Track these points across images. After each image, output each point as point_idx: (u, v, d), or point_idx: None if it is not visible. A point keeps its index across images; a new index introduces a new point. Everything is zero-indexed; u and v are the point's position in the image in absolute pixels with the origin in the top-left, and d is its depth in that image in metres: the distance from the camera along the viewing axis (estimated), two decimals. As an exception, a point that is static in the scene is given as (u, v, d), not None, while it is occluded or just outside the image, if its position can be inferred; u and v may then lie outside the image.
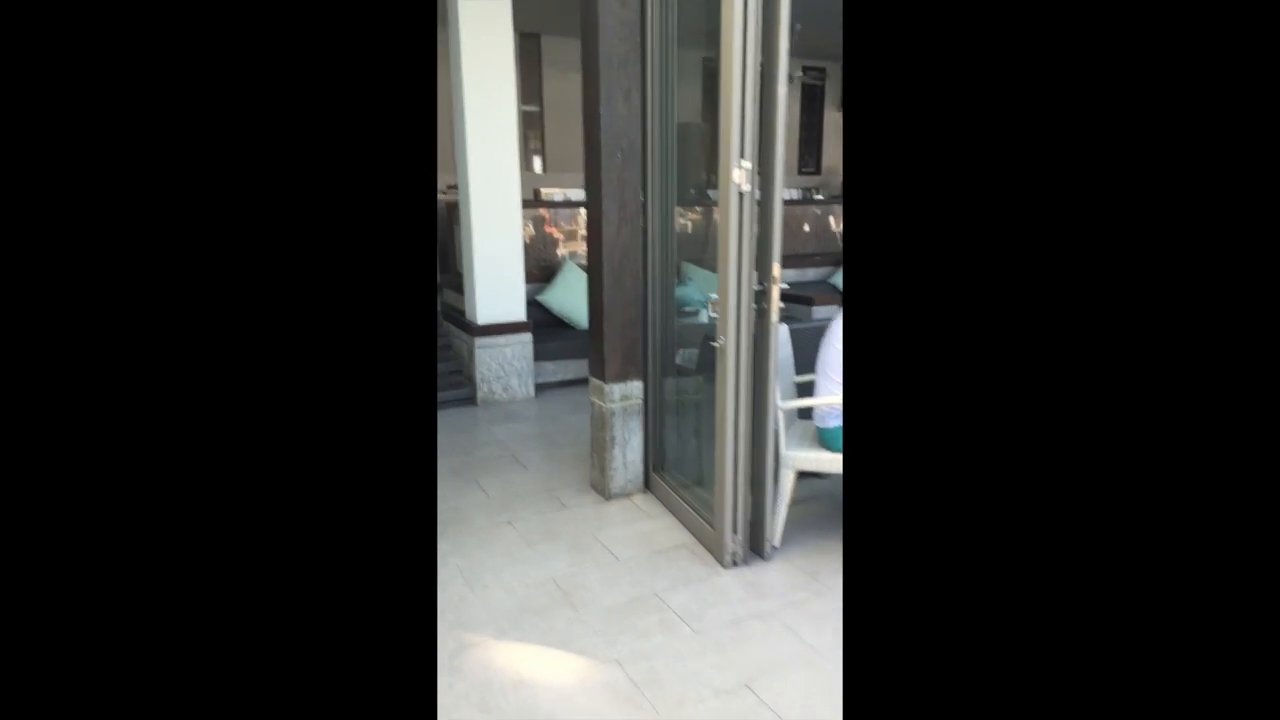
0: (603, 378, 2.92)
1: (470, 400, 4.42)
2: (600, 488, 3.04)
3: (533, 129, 8.72)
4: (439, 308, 5.22)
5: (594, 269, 2.90)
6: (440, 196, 7.16)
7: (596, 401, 2.99)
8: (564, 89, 9.35)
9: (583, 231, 5.80)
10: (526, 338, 4.47)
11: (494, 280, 4.34)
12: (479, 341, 4.33)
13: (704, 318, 4.15)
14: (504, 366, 4.42)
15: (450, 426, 3.99)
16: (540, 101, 9.24)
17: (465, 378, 4.53)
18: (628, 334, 2.92)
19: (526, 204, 4.73)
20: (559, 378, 4.71)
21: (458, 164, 4.33)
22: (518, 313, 4.44)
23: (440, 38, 4.08)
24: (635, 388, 2.97)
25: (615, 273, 2.85)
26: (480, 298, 4.32)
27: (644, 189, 2.84)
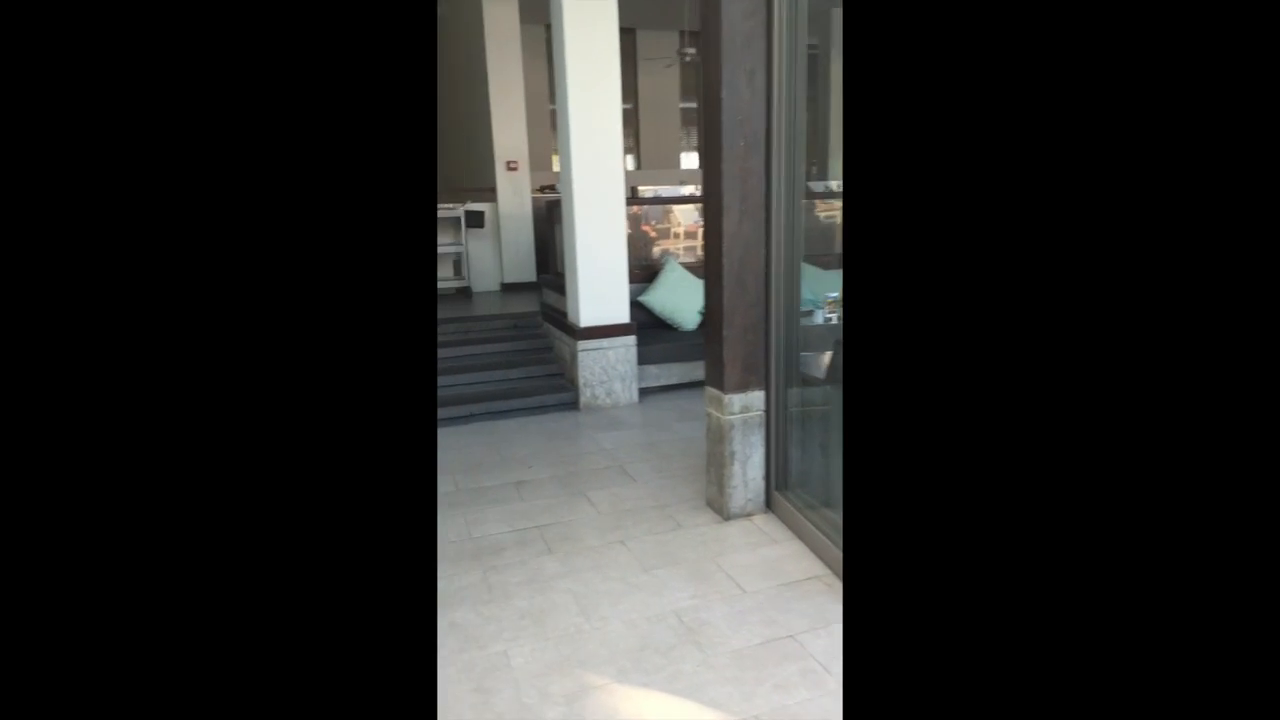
0: (721, 387, 2.68)
1: (573, 405, 4.28)
2: (718, 506, 2.80)
3: (627, 125, 8.70)
4: (539, 308, 5.13)
5: (712, 268, 2.67)
6: (537, 195, 7.15)
7: (714, 413, 2.76)
8: (657, 85, 9.18)
9: (676, 229, 5.58)
10: (630, 341, 4.29)
11: (597, 281, 4.17)
12: (582, 345, 4.18)
13: (819, 319, 3.85)
14: (607, 370, 4.26)
15: (553, 433, 3.86)
16: (635, 98, 9.14)
17: (568, 381, 4.39)
18: (749, 339, 2.67)
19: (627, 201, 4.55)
20: (662, 382, 4.50)
21: (561, 161, 4.20)
22: (621, 315, 4.27)
23: (549, 35, 3.95)
24: (757, 398, 2.72)
25: (736, 271, 2.60)
26: (583, 299, 4.16)
27: (767, 180, 2.58)
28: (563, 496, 3.03)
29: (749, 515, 2.77)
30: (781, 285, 2.65)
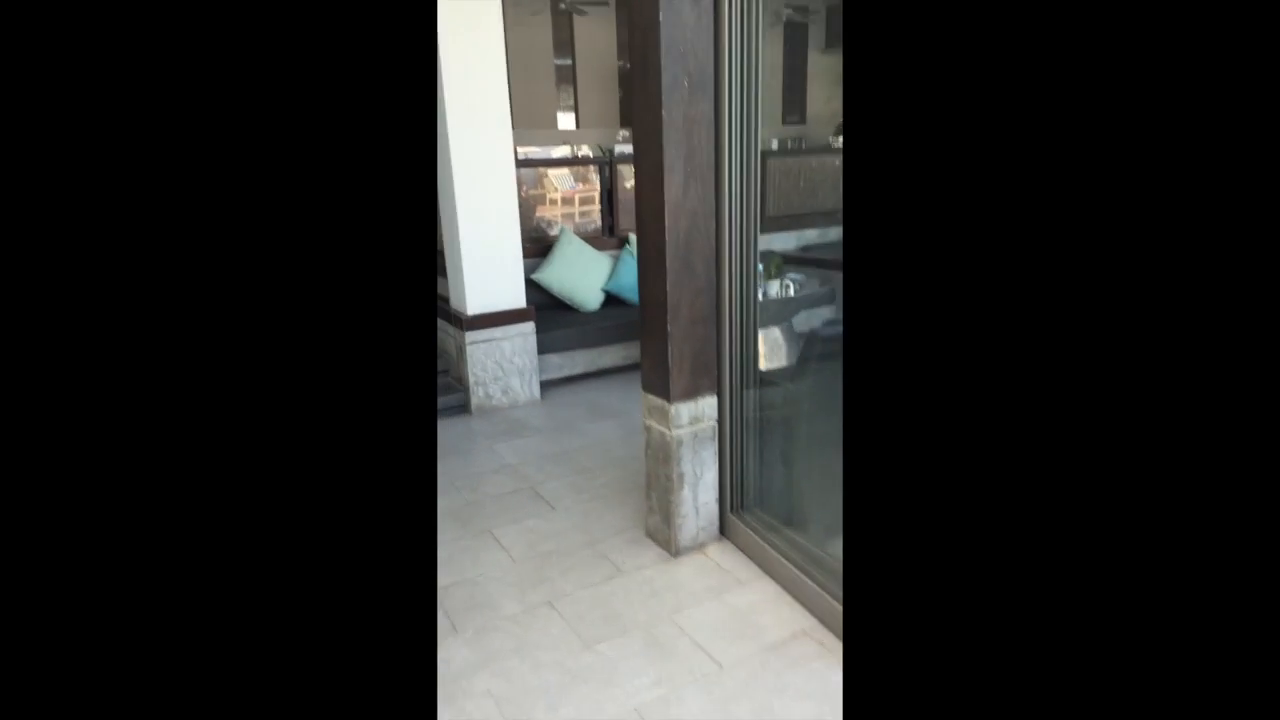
0: (666, 396, 2.14)
1: (463, 408, 3.59)
2: (663, 539, 2.28)
3: (565, 83, 8.25)
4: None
5: (650, 246, 2.10)
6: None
7: (656, 426, 2.21)
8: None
9: (553, 194, 4.91)
10: (529, 328, 3.64)
11: (486, 260, 3.48)
12: (470, 336, 3.49)
13: (773, 291, 3.37)
14: (502, 365, 3.60)
15: (443, 445, 3.17)
16: (573, 54, 8.46)
17: (455, 380, 3.69)
18: (698, 333, 2.13)
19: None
20: (565, 373, 3.90)
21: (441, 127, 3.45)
22: (516, 298, 3.61)
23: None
24: (709, 406, 2.20)
25: (681, 250, 2.05)
26: (470, 282, 3.46)
27: (716, 132, 2.03)
28: (463, 539, 2.39)
29: (702, 547, 2.27)
30: (737, 265, 2.13)
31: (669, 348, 2.09)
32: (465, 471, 2.91)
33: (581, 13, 8.17)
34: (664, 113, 1.93)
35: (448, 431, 3.35)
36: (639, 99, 2.05)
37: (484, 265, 3.48)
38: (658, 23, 1.88)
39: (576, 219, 4.70)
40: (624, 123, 9.54)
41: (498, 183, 3.43)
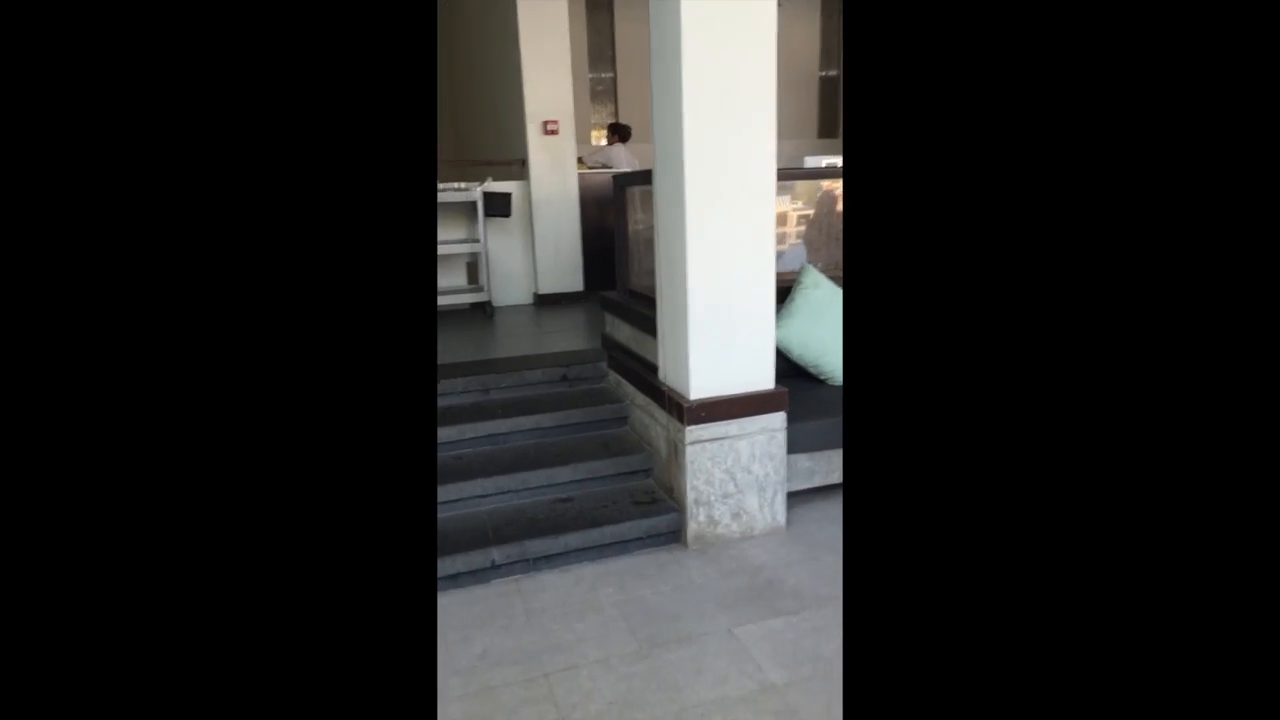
0: None
1: (674, 537, 2.42)
2: None
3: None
4: (600, 342, 3.28)
5: None
6: (587, 171, 5.31)
7: None
8: (791, 36, 7.34)
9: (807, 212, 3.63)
10: (777, 421, 2.41)
11: (725, 320, 2.30)
12: (693, 433, 2.31)
13: None
14: (735, 475, 2.39)
15: (649, 608, 2.00)
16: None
17: (664, 491, 2.53)
18: None
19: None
20: (815, 481, 2.62)
21: (657, 129, 2.32)
22: (763, 375, 2.40)
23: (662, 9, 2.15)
24: None
25: None
26: (697, 350, 2.30)
27: None
28: None
29: None
30: None
31: None
32: (700, 694, 1.71)
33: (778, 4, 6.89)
34: None
35: (653, 579, 2.19)
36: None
37: (719, 327, 2.30)
38: None
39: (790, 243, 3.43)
40: (823, 133, 8.27)
41: (749, 211, 2.24)
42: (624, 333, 3.03)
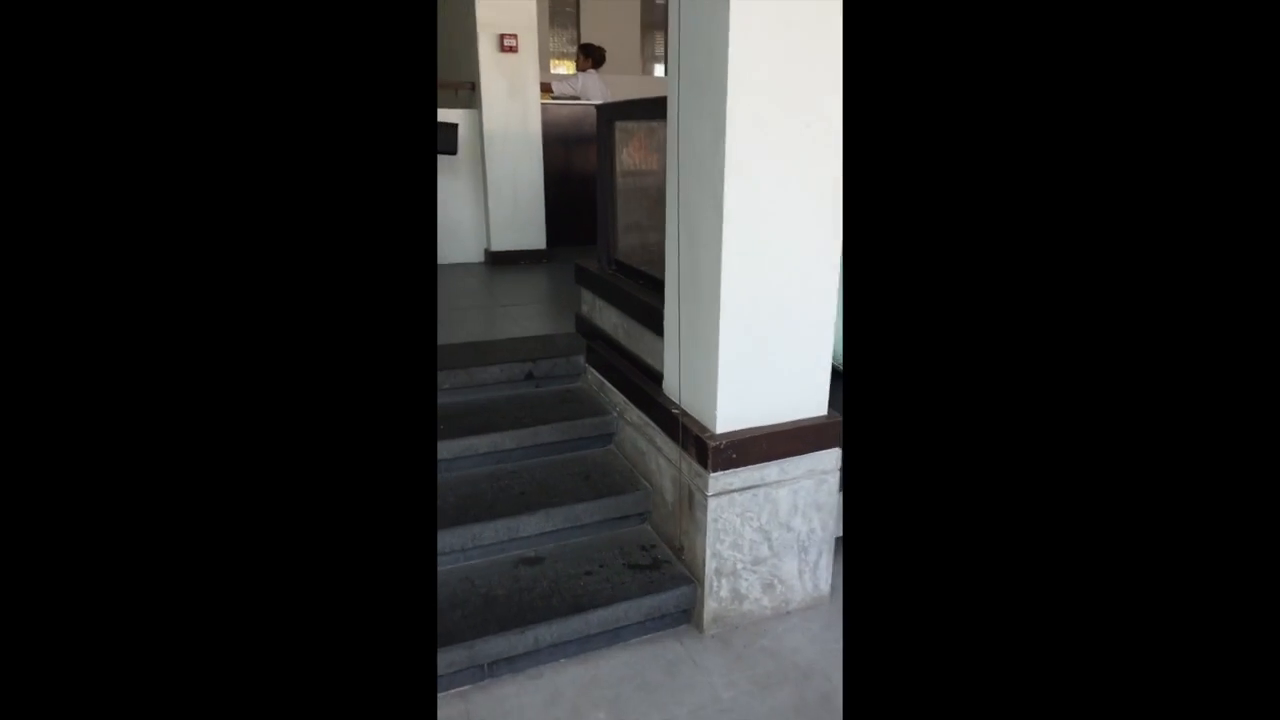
0: None
1: (683, 617, 1.76)
2: None
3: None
4: (574, 326, 2.55)
5: None
6: (553, 102, 4.44)
7: None
8: None
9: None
10: (830, 460, 1.75)
11: (767, 324, 1.60)
12: (718, 481, 1.63)
13: None
14: (770, 533, 1.73)
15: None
16: None
17: (674, 551, 1.85)
18: None
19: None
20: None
21: (671, 62, 1.55)
22: (815, 401, 1.72)
23: None
24: None
25: None
26: (729, 368, 1.60)
27: None
28: None
29: None
30: None
31: None
32: None
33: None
34: None
35: (659, 693, 1.53)
36: None
37: (762, 332, 1.59)
38: None
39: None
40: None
41: (816, 151, 1.52)
42: (608, 319, 2.30)
